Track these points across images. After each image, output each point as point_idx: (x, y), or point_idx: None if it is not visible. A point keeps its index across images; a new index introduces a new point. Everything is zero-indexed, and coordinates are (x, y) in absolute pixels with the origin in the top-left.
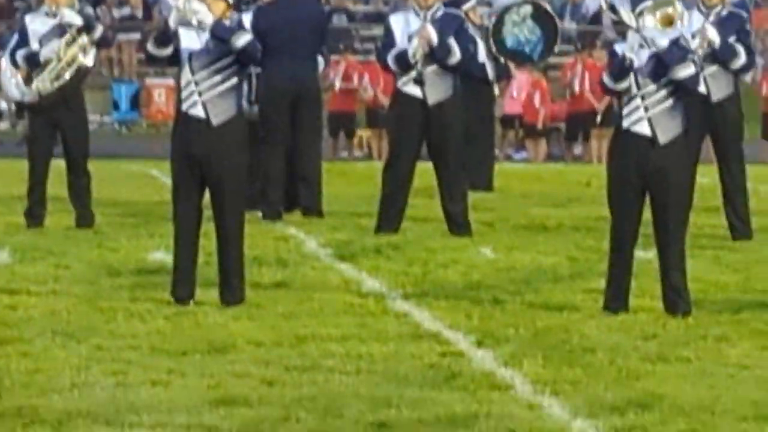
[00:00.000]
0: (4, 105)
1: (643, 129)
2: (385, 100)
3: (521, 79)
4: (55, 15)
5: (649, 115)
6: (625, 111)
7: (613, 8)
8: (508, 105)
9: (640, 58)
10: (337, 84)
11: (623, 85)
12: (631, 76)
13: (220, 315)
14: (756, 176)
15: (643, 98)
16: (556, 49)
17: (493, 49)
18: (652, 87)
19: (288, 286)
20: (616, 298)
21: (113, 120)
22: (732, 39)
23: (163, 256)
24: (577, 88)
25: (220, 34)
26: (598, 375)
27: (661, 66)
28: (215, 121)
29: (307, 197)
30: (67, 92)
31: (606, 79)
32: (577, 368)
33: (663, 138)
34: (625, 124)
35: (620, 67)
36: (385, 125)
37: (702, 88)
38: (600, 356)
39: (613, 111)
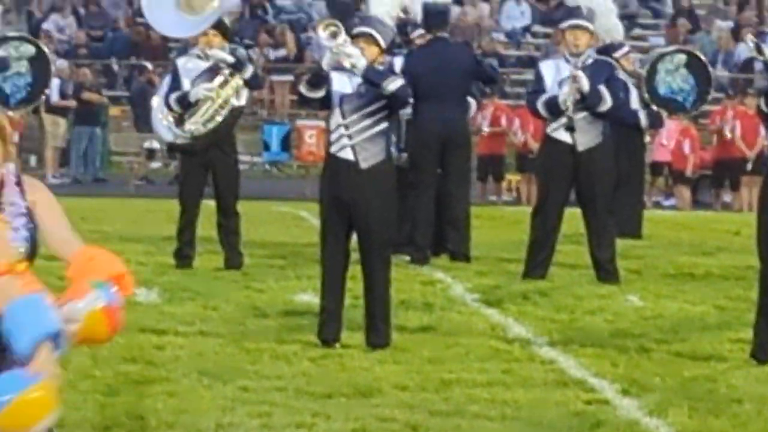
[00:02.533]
0: (156, 144)
1: None
2: (534, 145)
3: (670, 126)
4: (207, 57)
5: None
6: None
7: (758, 47)
8: (657, 152)
9: None
10: (485, 127)
11: None
12: None
13: (365, 358)
14: None
15: None
16: (709, 97)
17: (646, 97)
18: None
19: (434, 331)
20: (765, 349)
21: (264, 161)
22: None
23: (310, 298)
24: (728, 135)
25: (372, 78)
26: (745, 426)
27: None
28: (364, 164)
29: (455, 241)
30: (220, 134)
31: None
32: (724, 419)
33: None
34: None
35: None
36: (535, 170)
37: None
38: (747, 407)
39: (763, 159)
